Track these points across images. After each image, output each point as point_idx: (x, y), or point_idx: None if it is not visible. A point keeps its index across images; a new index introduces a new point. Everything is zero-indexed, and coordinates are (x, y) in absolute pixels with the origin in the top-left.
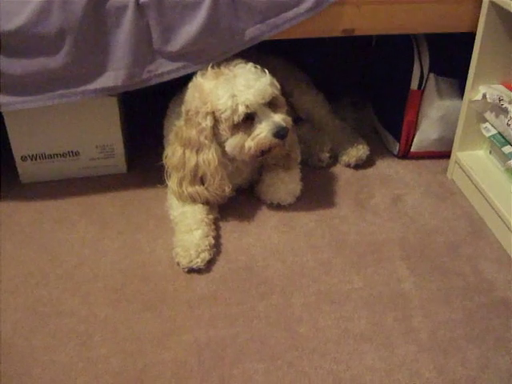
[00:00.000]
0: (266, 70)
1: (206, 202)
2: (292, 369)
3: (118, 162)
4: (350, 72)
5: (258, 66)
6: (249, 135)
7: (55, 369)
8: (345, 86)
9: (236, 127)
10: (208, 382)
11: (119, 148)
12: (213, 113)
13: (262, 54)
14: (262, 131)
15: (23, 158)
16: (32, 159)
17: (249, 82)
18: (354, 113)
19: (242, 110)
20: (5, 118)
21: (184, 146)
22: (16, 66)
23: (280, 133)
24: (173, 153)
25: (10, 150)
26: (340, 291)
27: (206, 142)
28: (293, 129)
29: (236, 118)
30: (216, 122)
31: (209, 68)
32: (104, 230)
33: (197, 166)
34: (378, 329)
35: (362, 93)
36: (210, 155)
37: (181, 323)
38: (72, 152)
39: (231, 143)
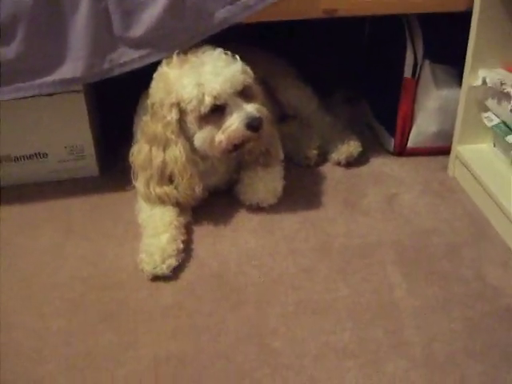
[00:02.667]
0: (238, 56)
1: (177, 204)
2: None
3: (88, 163)
4: (344, 65)
5: (229, 52)
6: (219, 128)
7: None
8: (338, 80)
9: (204, 119)
10: None
11: (89, 149)
12: (178, 104)
13: (242, 45)
14: (234, 123)
15: None
16: None
17: (216, 70)
18: (347, 109)
19: (208, 100)
20: None
21: (150, 143)
22: None
23: (253, 124)
24: (139, 150)
25: None
26: (322, 300)
27: (173, 136)
28: (270, 122)
29: (203, 109)
30: (182, 114)
31: (174, 55)
32: (68, 235)
33: (164, 163)
34: (363, 342)
35: (356, 87)
36: (176, 151)
37: (139, 336)
38: (39, 154)
39: (200, 137)
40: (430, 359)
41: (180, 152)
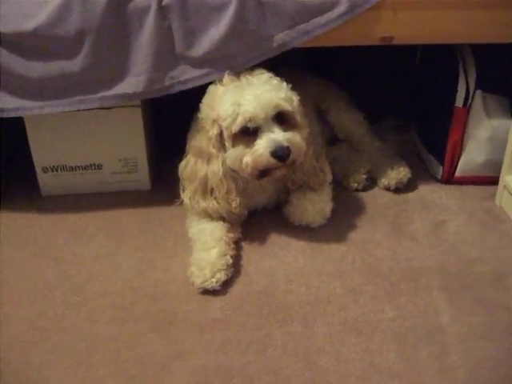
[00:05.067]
0: (285, 84)
1: (224, 219)
2: None
3: (141, 177)
4: (394, 92)
5: (278, 78)
6: (250, 150)
7: None
8: (388, 107)
9: (237, 138)
10: None
11: (143, 163)
12: (217, 120)
13: (296, 70)
14: (260, 148)
15: (44, 170)
16: (53, 171)
17: (257, 93)
18: (396, 136)
19: (239, 120)
20: (26, 127)
21: (196, 156)
22: (34, 69)
23: (278, 153)
24: (186, 163)
25: (32, 161)
26: (368, 321)
27: (214, 151)
28: (320, 150)
29: (234, 129)
30: (222, 130)
31: (226, 74)
32: (120, 245)
33: (206, 177)
34: (408, 364)
35: (405, 115)
36: (215, 166)
37: (189, 347)
38: (94, 165)
39: (231, 155)
40: None
41: (218, 166)
